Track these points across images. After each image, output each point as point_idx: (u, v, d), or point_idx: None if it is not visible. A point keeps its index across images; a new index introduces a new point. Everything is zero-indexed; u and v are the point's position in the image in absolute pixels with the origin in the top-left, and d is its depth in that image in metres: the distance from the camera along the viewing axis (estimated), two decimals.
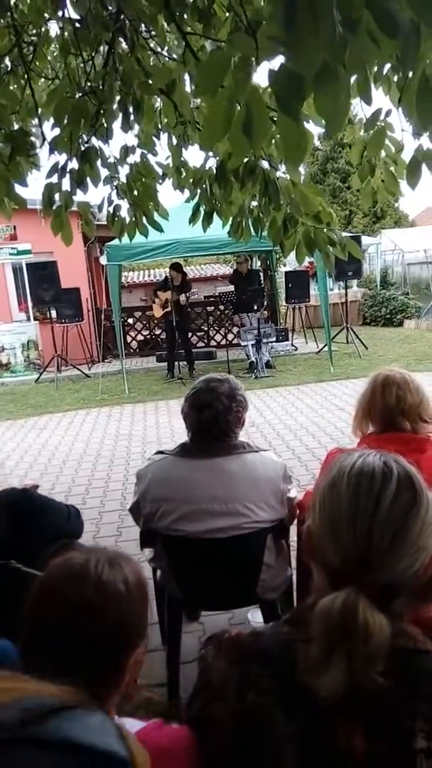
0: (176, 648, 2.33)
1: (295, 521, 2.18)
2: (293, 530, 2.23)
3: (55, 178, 2.68)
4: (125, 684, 0.94)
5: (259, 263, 13.69)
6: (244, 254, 10.51)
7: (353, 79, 1.28)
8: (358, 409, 2.07)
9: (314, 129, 2.05)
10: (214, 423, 1.99)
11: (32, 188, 2.84)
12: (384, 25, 0.85)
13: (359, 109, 2.06)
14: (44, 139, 2.46)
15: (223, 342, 11.38)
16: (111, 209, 3.01)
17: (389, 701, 0.75)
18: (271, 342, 9.67)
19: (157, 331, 11.94)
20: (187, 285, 9.59)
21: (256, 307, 9.69)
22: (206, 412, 1.98)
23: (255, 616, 2.64)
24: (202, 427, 2.01)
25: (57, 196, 2.73)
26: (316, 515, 0.83)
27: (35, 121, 3.03)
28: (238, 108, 1.35)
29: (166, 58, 2.75)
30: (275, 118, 1.50)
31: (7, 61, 2.50)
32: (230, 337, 11.32)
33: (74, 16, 2.32)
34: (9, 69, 2.64)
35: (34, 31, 2.60)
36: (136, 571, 0.96)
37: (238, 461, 2.01)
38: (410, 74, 1.17)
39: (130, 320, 12.34)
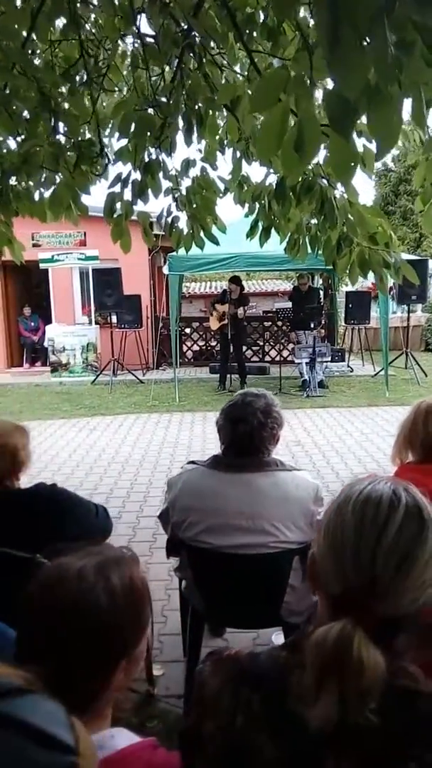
0: (196, 661, 2.31)
1: None
2: None
3: (117, 188, 2.76)
4: (114, 691, 0.92)
5: (320, 281, 13.57)
6: (305, 272, 10.45)
7: (408, 101, 1.27)
8: (399, 437, 2.01)
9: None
10: (247, 438, 1.97)
11: (100, 197, 2.94)
12: None
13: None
14: (102, 148, 2.54)
15: (278, 358, 11.31)
16: (170, 220, 3.07)
17: (382, 741, 0.71)
18: (326, 361, 9.55)
19: (213, 343, 12.02)
20: (245, 299, 9.61)
21: (312, 326, 9.60)
22: (241, 426, 1.97)
23: (279, 639, 2.59)
24: (236, 441, 2.00)
25: (118, 205, 2.82)
26: (321, 541, 0.81)
27: (106, 131, 3.15)
28: (292, 124, 1.35)
29: (237, 75, 2.79)
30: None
31: (82, 73, 2.61)
32: (285, 353, 11.26)
33: (147, 31, 2.40)
34: (84, 81, 2.75)
35: (110, 46, 2.70)
36: (129, 576, 0.93)
37: (270, 479, 1.98)
38: None
39: (188, 330, 12.50)
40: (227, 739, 0.80)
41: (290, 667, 0.79)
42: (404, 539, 0.75)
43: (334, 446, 6.28)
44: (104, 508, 2.06)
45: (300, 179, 2.36)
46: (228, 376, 9.56)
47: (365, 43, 0.89)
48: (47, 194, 2.79)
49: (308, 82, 1.29)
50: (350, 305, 11.03)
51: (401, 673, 0.75)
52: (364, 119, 1.23)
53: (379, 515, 0.76)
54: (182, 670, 2.46)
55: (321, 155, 1.99)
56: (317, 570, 0.81)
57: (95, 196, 3.13)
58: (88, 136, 2.89)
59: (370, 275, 2.71)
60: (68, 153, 2.62)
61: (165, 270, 9.46)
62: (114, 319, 10.64)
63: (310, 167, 2.41)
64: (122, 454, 6.17)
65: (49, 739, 0.57)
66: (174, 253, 8.62)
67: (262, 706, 0.78)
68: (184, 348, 12.35)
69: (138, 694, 2.64)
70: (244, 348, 11.64)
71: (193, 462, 2.18)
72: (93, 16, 2.84)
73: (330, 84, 1.24)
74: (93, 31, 2.83)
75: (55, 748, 0.57)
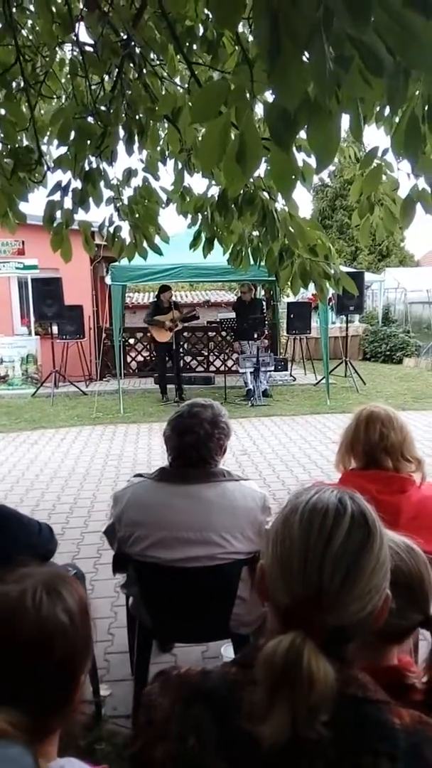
0: (144, 679, 2.25)
1: None
2: None
3: (57, 196, 2.70)
4: (74, 706, 0.89)
5: (263, 292, 13.79)
6: (248, 283, 10.59)
7: (347, 117, 1.30)
8: (342, 444, 2.05)
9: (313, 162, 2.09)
10: (194, 448, 1.96)
11: (40, 205, 2.87)
12: (370, 64, 0.85)
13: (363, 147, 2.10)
14: (41, 155, 2.48)
15: (222, 368, 11.39)
16: (112, 229, 3.04)
17: (334, 753, 0.71)
18: (269, 371, 9.68)
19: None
20: (177, 305, 9.66)
21: (256, 336, 9.72)
22: (187, 436, 1.95)
23: (228, 652, 2.57)
24: (183, 452, 1.98)
25: (58, 214, 2.76)
26: (269, 553, 0.80)
27: (45, 139, 3.08)
28: (233, 137, 1.36)
29: (177, 86, 2.80)
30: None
31: (18, 79, 2.54)
32: (229, 363, 11.34)
33: (86, 39, 2.37)
34: (21, 87, 2.68)
35: (48, 52, 2.65)
36: (76, 591, 0.90)
37: (217, 489, 1.97)
38: (399, 113, 1.18)
39: (131, 341, 12.38)
40: (178, 762, 0.77)
41: (242, 683, 0.77)
42: (351, 548, 0.75)
43: (278, 454, 6.36)
44: (48, 527, 1.99)
45: (241, 191, 2.39)
46: (167, 386, 9.54)
47: (305, 57, 0.90)
48: None
49: (248, 95, 1.30)
50: (292, 315, 11.25)
51: (352, 681, 0.75)
52: (303, 134, 1.26)
53: (325, 525, 0.76)
54: (130, 689, 2.40)
55: (262, 168, 2.02)
56: (266, 582, 0.81)
57: (35, 204, 3.06)
58: (25, 143, 2.81)
59: (311, 286, 2.77)
60: (5, 160, 2.55)
61: (107, 280, 9.35)
62: (55, 329, 10.40)
63: (251, 180, 2.44)
64: (65, 468, 6.00)
65: None
66: (116, 263, 8.53)
67: (214, 725, 0.76)
68: (128, 359, 12.22)
69: (85, 716, 2.56)
70: (189, 358, 11.66)
71: (140, 475, 2.14)
72: (30, 22, 2.78)
73: (270, 97, 1.26)
74: (30, 37, 2.77)
75: None
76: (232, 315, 9.99)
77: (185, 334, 10.55)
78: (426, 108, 1.15)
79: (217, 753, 0.75)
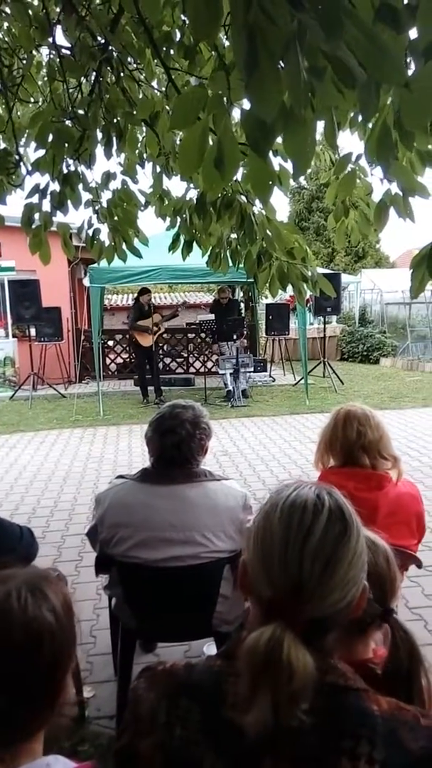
0: (128, 680, 2.26)
1: None
2: None
3: (35, 199, 2.70)
4: (61, 703, 0.90)
5: (241, 294, 13.86)
6: (225, 285, 10.63)
7: (321, 124, 1.34)
8: (320, 443, 2.09)
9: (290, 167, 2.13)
10: (176, 449, 1.98)
11: (18, 207, 2.86)
12: (341, 76, 0.89)
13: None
14: (19, 158, 2.48)
15: (202, 369, 11.42)
16: (90, 232, 3.04)
17: (315, 739, 0.74)
18: (249, 372, 9.74)
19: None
20: (154, 306, 9.67)
21: (235, 337, 9.77)
22: (169, 437, 1.97)
23: (210, 650, 2.59)
24: (165, 453, 2.00)
25: (36, 216, 2.75)
26: (250, 548, 0.83)
27: (22, 141, 3.07)
28: (211, 143, 1.39)
29: (155, 90, 2.82)
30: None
31: None
32: (209, 364, 11.37)
33: (63, 43, 2.38)
34: None
35: (25, 55, 2.65)
36: (60, 590, 0.91)
37: (199, 489, 2.00)
38: (372, 122, 1.22)
39: (111, 342, 12.34)
40: (166, 754, 0.79)
41: (226, 675, 0.80)
42: (329, 541, 0.78)
43: (259, 454, 6.40)
44: (29, 530, 2.00)
45: (220, 195, 2.42)
46: (147, 387, 9.54)
47: (280, 68, 0.93)
48: None
49: (225, 101, 1.33)
50: (270, 317, 11.33)
51: (332, 670, 0.78)
52: (280, 139, 1.29)
53: (304, 520, 0.79)
54: (113, 691, 2.41)
55: (240, 172, 2.06)
56: (248, 577, 0.83)
57: (12, 206, 3.05)
58: (3, 145, 2.81)
59: (289, 288, 2.82)
60: None
61: (86, 282, 9.30)
62: (33, 332, 10.31)
63: (229, 183, 2.47)
64: (45, 471, 5.96)
65: None
66: (95, 265, 8.50)
67: (201, 716, 0.78)
68: (108, 361, 12.17)
69: (68, 718, 2.56)
70: (169, 360, 11.67)
71: (121, 476, 2.16)
72: (6, 24, 2.78)
73: (247, 104, 1.29)
74: (6, 39, 2.76)
75: None
76: (212, 316, 10.02)
77: (165, 335, 10.54)
78: (397, 117, 1.19)
79: (203, 743, 0.77)
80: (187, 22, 1.86)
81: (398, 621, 1.00)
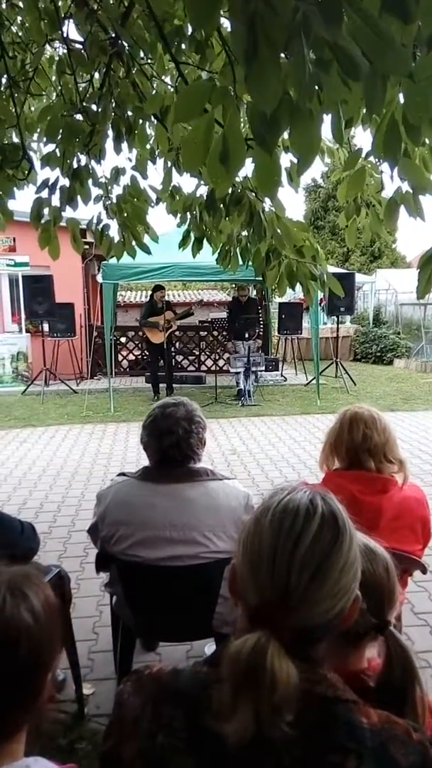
0: None
1: None
2: None
3: (45, 194, 2.69)
4: (41, 704, 0.89)
5: (254, 292, 13.82)
6: (245, 283, 10.59)
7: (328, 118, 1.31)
8: (326, 444, 2.06)
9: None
10: (176, 449, 1.96)
11: (30, 202, 2.85)
12: (346, 68, 0.86)
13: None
14: (24, 153, 2.47)
15: (213, 368, 11.41)
16: (100, 228, 3.03)
17: (300, 751, 0.71)
18: (260, 371, 9.70)
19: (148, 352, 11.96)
20: (170, 305, 9.66)
21: (248, 336, 9.73)
22: (167, 438, 1.95)
23: (212, 650, 2.57)
24: (165, 454, 1.98)
25: (46, 211, 2.75)
26: (239, 553, 0.80)
27: (34, 136, 3.07)
28: (216, 137, 1.36)
29: (168, 85, 2.80)
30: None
31: (3, 78, 2.53)
32: (221, 363, 11.34)
33: (75, 37, 2.37)
34: (8, 85, 2.67)
35: (36, 50, 2.64)
36: (42, 591, 0.91)
37: (200, 489, 1.97)
38: (379, 117, 1.19)
39: (123, 339, 12.36)
40: (147, 761, 0.77)
41: (210, 682, 0.78)
42: (319, 548, 0.75)
43: (268, 454, 6.37)
44: (31, 526, 1.99)
45: (229, 192, 2.39)
46: (159, 385, 9.53)
47: (284, 59, 0.90)
48: None
49: (233, 94, 1.30)
50: (283, 316, 11.28)
51: (321, 681, 0.76)
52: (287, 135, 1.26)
53: (295, 526, 0.76)
54: (113, 688, 2.40)
55: (249, 169, 2.03)
56: (236, 582, 0.81)
57: (27, 201, 3.04)
58: (15, 140, 2.80)
59: (299, 287, 2.78)
60: None
61: (99, 278, 9.32)
62: (46, 327, 10.36)
63: (239, 180, 2.45)
64: (54, 466, 5.98)
65: None
66: (108, 262, 8.51)
67: (184, 723, 0.76)
68: (120, 357, 12.19)
69: (67, 715, 2.55)
70: (181, 357, 11.66)
71: (123, 474, 2.14)
72: (19, 18, 2.77)
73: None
74: (19, 33, 2.76)
75: None
76: (224, 315, 9.98)
77: (177, 333, 10.52)
78: (404, 111, 1.15)
79: (185, 751, 0.75)
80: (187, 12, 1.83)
81: (394, 634, 0.97)
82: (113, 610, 2.41)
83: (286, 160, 2.53)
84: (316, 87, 1.10)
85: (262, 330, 12.35)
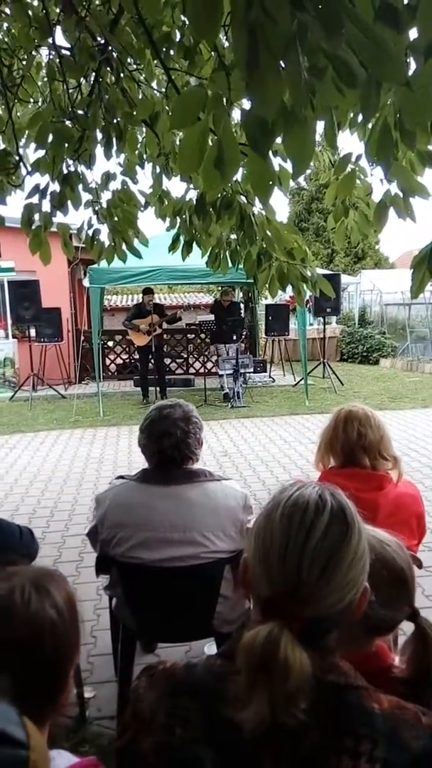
0: (128, 680, 2.26)
1: None
2: None
3: (35, 199, 2.70)
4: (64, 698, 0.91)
5: (241, 295, 13.87)
6: (229, 287, 10.63)
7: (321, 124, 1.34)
8: (321, 443, 2.09)
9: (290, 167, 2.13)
10: (175, 450, 1.98)
11: (18, 207, 2.86)
12: (342, 75, 0.89)
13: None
14: (20, 159, 2.48)
15: (202, 370, 11.42)
16: (90, 232, 3.04)
17: (315, 737, 0.74)
18: (248, 372, 9.74)
19: (137, 356, 11.93)
20: (160, 308, 9.64)
21: (234, 338, 9.77)
22: (166, 440, 1.97)
23: (211, 650, 2.59)
24: (164, 456, 1.99)
25: (36, 216, 2.75)
26: (251, 546, 0.83)
27: (22, 141, 3.07)
28: (211, 143, 1.39)
29: (154, 91, 2.82)
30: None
31: None
32: (209, 365, 11.36)
33: (63, 43, 2.38)
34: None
35: (25, 56, 2.65)
36: (64, 587, 0.93)
37: (199, 489, 1.99)
38: (372, 121, 1.22)
39: (110, 343, 12.34)
40: (166, 753, 0.79)
41: (226, 674, 0.80)
42: (329, 542, 0.78)
43: (259, 455, 6.40)
44: (29, 530, 1.99)
45: (219, 195, 2.42)
46: (149, 387, 9.52)
47: (281, 67, 0.93)
48: None
49: (225, 101, 1.33)
50: (270, 318, 11.33)
51: (333, 669, 0.78)
52: (279, 139, 1.29)
53: (305, 520, 0.79)
54: (113, 691, 2.41)
55: (239, 173, 2.06)
56: (249, 575, 0.83)
57: (12, 206, 3.05)
58: (3, 146, 2.81)
59: (289, 288, 2.82)
60: None
61: (86, 282, 9.30)
62: (33, 332, 10.31)
63: (229, 184, 2.47)
64: (45, 472, 5.96)
65: (1, 735, 0.59)
66: (95, 266, 8.50)
67: (201, 714, 0.78)
68: (107, 361, 12.17)
69: (69, 718, 2.55)
70: (168, 360, 11.65)
71: (121, 477, 2.16)
72: (6, 25, 2.78)
73: (247, 104, 1.29)
74: (6, 40, 2.76)
75: (7, 744, 0.60)
76: (211, 317, 10.01)
77: (165, 336, 10.53)
78: (397, 116, 1.19)
79: (204, 741, 0.77)
80: (187, 22, 1.86)
81: (427, 621, 1.03)
82: (113, 612, 2.41)
83: (274, 163, 2.57)
84: (310, 93, 1.13)
85: (247, 332, 12.41)
